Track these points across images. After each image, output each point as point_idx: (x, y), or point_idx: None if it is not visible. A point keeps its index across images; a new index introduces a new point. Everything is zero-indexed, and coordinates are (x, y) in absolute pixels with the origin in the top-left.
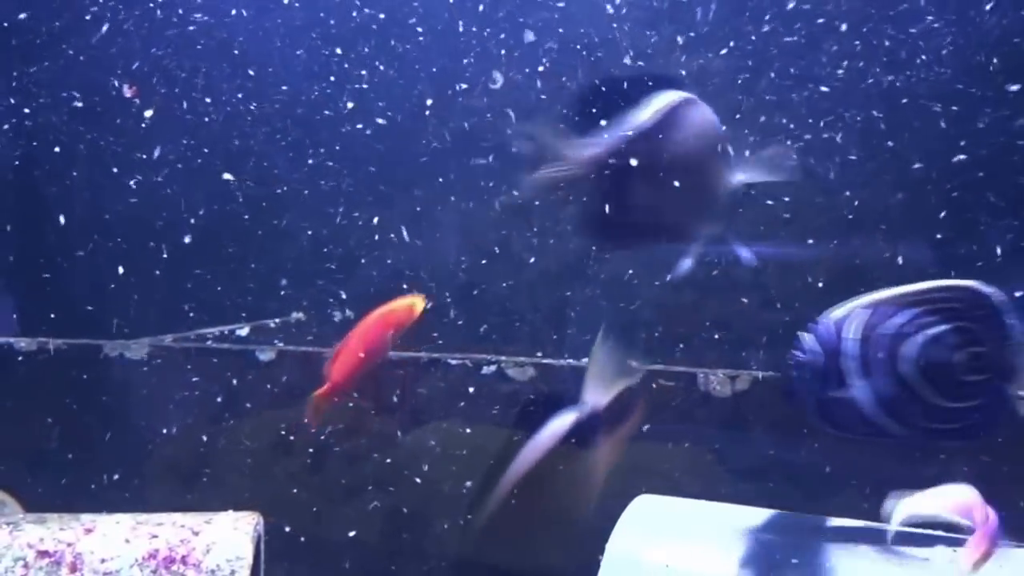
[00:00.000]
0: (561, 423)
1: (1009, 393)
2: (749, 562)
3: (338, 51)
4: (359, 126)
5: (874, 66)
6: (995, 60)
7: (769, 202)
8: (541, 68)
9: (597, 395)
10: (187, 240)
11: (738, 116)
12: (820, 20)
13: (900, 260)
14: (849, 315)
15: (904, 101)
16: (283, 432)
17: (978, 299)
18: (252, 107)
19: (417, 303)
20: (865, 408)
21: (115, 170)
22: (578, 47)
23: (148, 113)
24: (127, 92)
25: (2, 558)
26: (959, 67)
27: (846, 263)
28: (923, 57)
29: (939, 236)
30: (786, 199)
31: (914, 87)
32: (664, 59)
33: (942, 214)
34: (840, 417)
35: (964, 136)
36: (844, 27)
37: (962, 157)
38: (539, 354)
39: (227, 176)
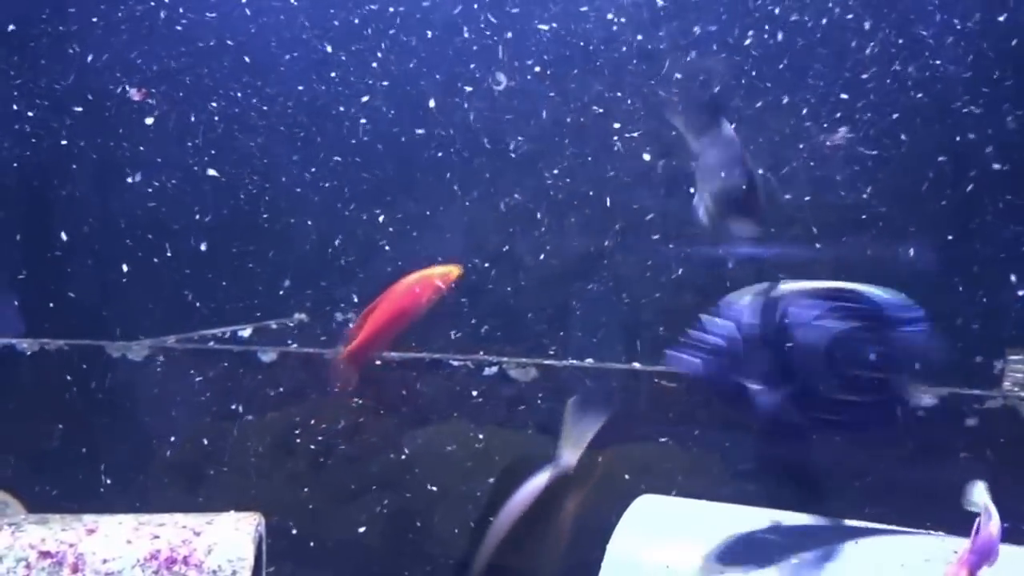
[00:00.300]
0: (536, 482)
1: (899, 395)
2: (750, 563)
3: (341, 53)
4: (363, 126)
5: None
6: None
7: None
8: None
9: (569, 455)
10: (190, 241)
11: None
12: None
13: (905, 260)
14: (755, 302)
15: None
16: (285, 433)
17: (880, 306)
18: (255, 107)
19: (453, 270)
20: (763, 394)
21: (117, 171)
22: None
23: (150, 120)
24: (135, 96)
25: (4, 559)
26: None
27: (849, 264)
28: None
29: (949, 237)
30: (790, 199)
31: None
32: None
33: (949, 215)
34: (739, 401)
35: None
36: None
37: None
38: (547, 353)
39: (212, 172)
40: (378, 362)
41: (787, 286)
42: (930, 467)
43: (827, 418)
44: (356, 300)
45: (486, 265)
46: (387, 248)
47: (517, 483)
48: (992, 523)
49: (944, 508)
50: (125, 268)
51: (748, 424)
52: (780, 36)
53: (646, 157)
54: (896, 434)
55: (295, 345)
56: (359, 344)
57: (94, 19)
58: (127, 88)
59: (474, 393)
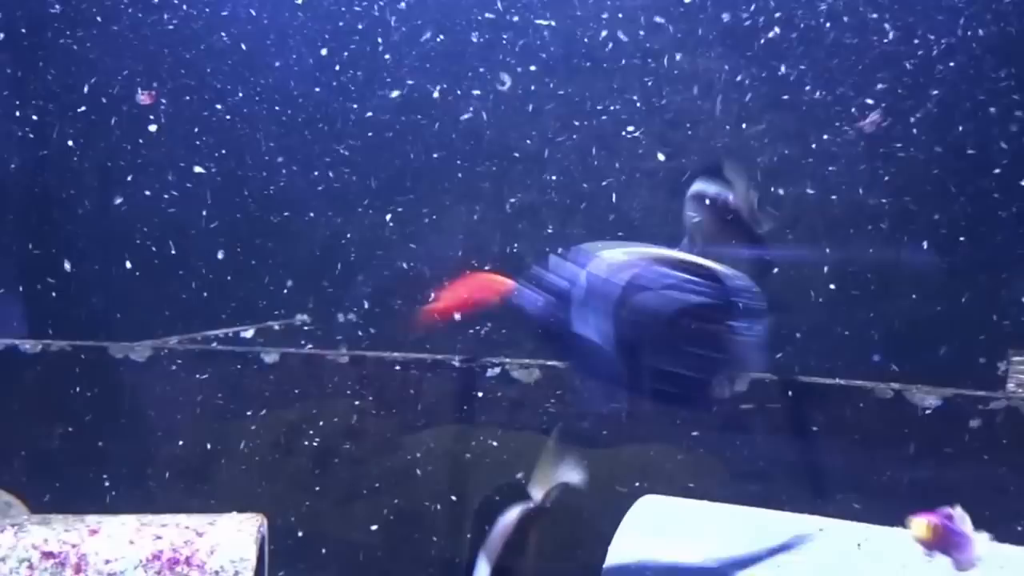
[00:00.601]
0: (510, 517)
1: (726, 376)
2: (751, 563)
3: (347, 54)
4: (367, 129)
5: None
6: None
7: (769, 205)
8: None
9: (541, 491)
10: (193, 243)
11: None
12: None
13: (909, 261)
14: (610, 257)
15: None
16: (287, 434)
17: (728, 291)
18: (259, 109)
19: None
20: (592, 346)
21: (121, 172)
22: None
23: (153, 125)
24: (144, 99)
25: (7, 559)
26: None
27: (852, 264)
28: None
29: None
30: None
31: None
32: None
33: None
34: (566, 346)
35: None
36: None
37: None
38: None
39: (198, 169)
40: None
41: (647, 249)
42: (934, 468)
43: (647, 383)
44: (358, 302)
45: (490, 265)
46: (389, 250)
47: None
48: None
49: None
50: (128, 269)
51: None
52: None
53: (651, 156)
54: (703, 415)
55: (309, 346)
56: (441, 306)
57: (98, 20)
58: (139, 91)
59: (477, 394)
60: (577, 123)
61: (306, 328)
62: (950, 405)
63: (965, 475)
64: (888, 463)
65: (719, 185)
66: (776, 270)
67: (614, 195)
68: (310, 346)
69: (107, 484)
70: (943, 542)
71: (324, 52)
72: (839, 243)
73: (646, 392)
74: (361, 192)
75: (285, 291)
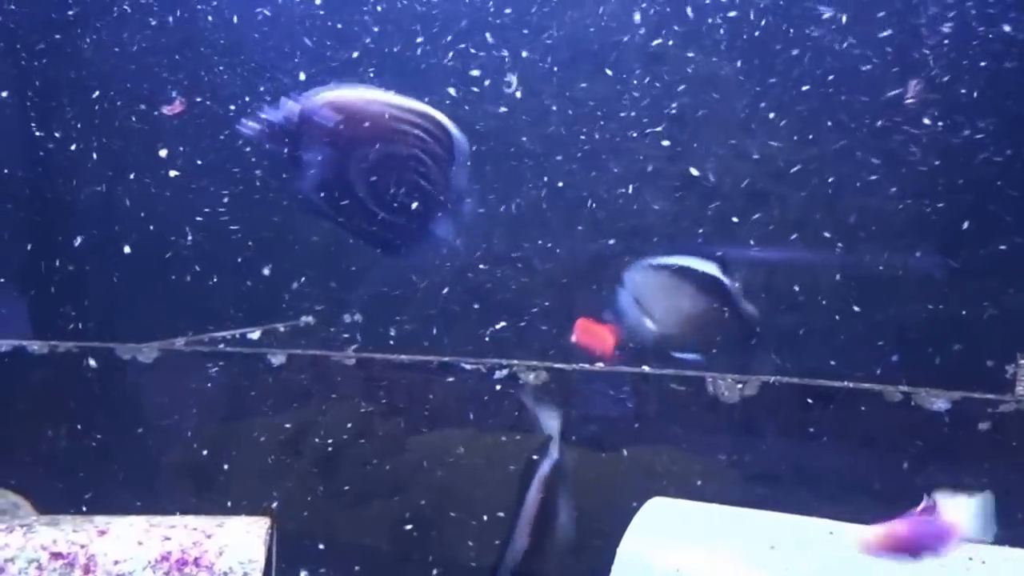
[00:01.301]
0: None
1: (435, 226)
2: (759, 566)
3: (355, 53)
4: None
5: None
6: None
7: (778, 207)
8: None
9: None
10: (199, 244)
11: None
12: None
13: (917, 264)
14: (321, 95)
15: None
16: (293, 435)
17: (445, 135)
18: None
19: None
20: (310, 183)
21: (129, 173)
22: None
23: (161, 123)
24: (173, 109)
25: (16, 560)
26: None
27: (856, 268)
28: None
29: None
30: (794, 202)
31: None
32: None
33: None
34: (288, 182)
35: None
36: None
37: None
38: (557, 356)
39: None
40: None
41: (383, 96)
42: (943, 471)
43: (368, 228)
44: (364, 303)
45: (496, 267)
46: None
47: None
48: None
49: None
50: (135, 271)
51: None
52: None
53: (656, 161)
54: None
55: (333, 349)
56: (598, 340)
57: (113, 13)
58: (162, 103)
59: (484, 396)
60: (586, 127)
61: (311, 329)
62: (959, 408)
63: (974, 478)
64: (897, 466)
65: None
66: (782, 277)
67: (622, 199)
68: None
69: (115, 485)
70: (918, 543)
71: (332, 53)
72: (848, 245)
73: (368, 238)
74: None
75: (291, 294)
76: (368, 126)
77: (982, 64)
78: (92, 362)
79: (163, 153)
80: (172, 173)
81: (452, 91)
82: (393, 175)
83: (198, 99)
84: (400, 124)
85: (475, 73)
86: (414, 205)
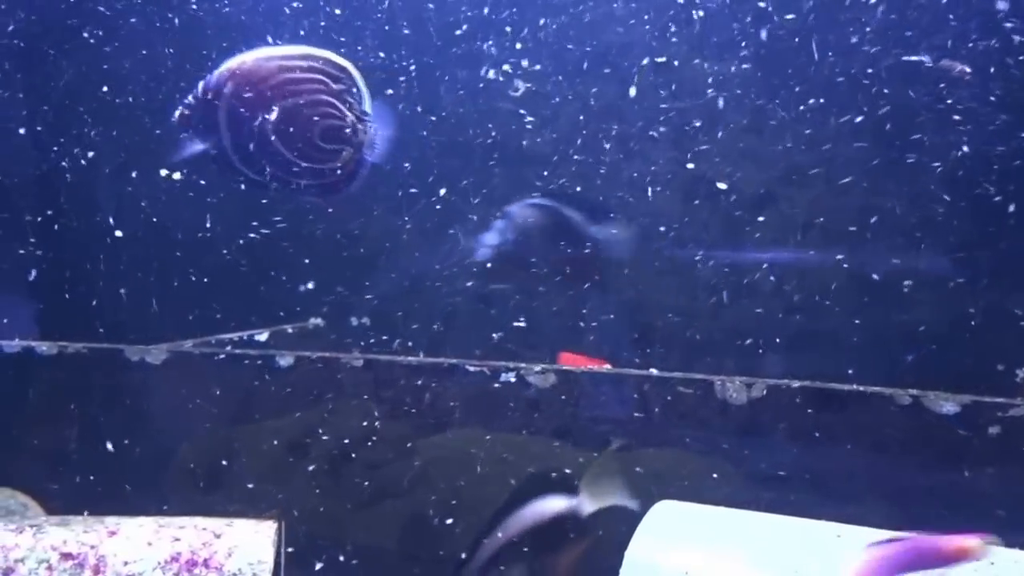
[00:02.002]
0: (550, 505)
1: (360, 161)
2: (767, 569)
3: (371, 58)
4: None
5: None
6: None
7: (787, 207)
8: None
9: (588, 501)
10: (206, 244)
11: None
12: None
13: (926, 266)
14: (226, 67)
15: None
16: (302, 438)
17: (343, 72)
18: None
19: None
20: (230, 154)
21: (138, 174)
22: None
23: (169, 124)
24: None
25: (26, 560)
26: None
27: (865, 270)
28: None
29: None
30: (803, 204)
31: None
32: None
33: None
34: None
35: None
36: None
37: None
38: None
39: (174, 175)
40: None
41: (276, 51)
42: (952, 475)
43: (292, 180)
44: (373, 305)
45: (503, 268)
46: (404, 253)
47: (532, 495)
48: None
49: (967, 516)
50: (143, 272)
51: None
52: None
53: (666, 162)
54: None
55: (341, 351)
56: None
57: (132, 20)
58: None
59: (492, 399)
60: (591, 127)
61: (320, 331)
62: (969, 412)
63: (983, 482)
64: (905, 469)
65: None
66: (792, 274)
67: (628, 203)
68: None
69: (123, 485)
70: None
71: (343, 58)
72: (857, 248)
73: (296, 189)
74: (377, 195)
75: (300, 295)
76: (266, 83)
77: (996, 70)
78: (101, 363)
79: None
80: (184, 174)
81: (461, 92)
82: (302, 123)
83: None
84: (296, 73)
85: (483, 73)
86: (332, 146)
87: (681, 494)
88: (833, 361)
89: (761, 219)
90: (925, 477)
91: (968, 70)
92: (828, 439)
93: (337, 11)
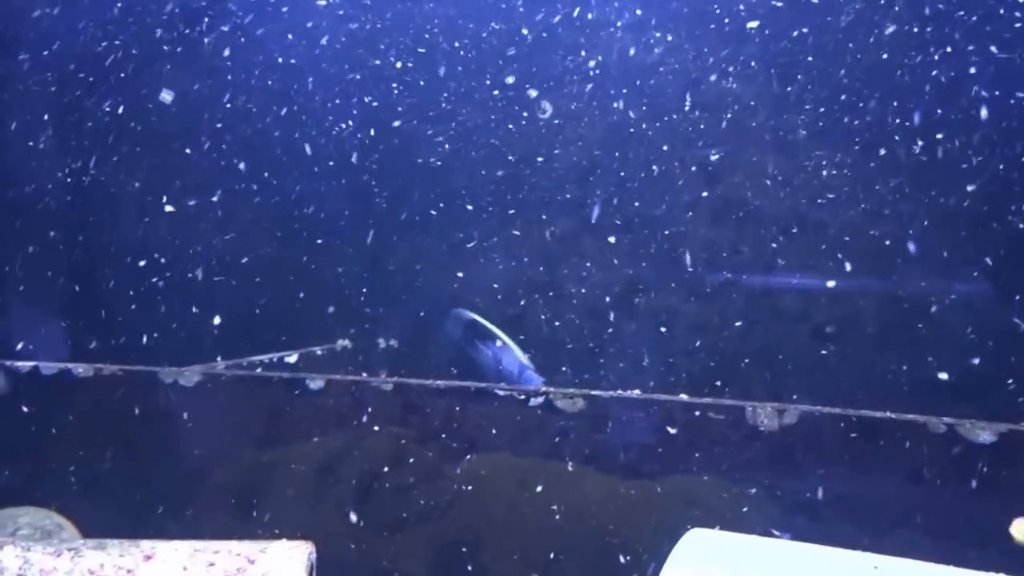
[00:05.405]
0: None
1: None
2: None
3: (393, 84)
4: (405, 154)
5: None
6: None
7: (815, 233)
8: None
9: None
10: (238, 268)
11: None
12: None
13: (952, 294)
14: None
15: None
16: (332, 461)
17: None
18: (303, 134)
19: None
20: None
21: (168, 198)
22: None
23: (196, 147)
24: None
25: None
26: None
27: (898, 296)
28: None
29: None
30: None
31: None
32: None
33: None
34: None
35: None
36: None
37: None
38: (593, 383)
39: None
40: None
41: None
42: (988, 504)
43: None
44: (400, 328)
45: (532, 295)
46: (431, 277)
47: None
48: None
49: (1001, 548)
50: (176, 295)
51: None
52: None
53: (693, 187)
54: None
55: (370, 374)
56: None
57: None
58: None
59: (520, 424)
60: (616, 153)
61: (347, 353)
62: (1005, 440)
63: (1020, 511)
64: (941, 499)
65: None
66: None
67: (653, 229)
68: (351, 371)
69: (157, 508)
70: None
71: (362, 78)
72: (889, 273)
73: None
74: (403, 220)
75: (327, 317)
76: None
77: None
78: (135, 385)
79: (206, 181)
80: (213, 197)
81: (492, 116)
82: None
83: (230, 123)
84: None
85: (510, 96)
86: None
87: (713, 521)
88: (866, 388)
89: (791, 243)
90: (962, 507)
91: None
92: (861, 467)
93: None
